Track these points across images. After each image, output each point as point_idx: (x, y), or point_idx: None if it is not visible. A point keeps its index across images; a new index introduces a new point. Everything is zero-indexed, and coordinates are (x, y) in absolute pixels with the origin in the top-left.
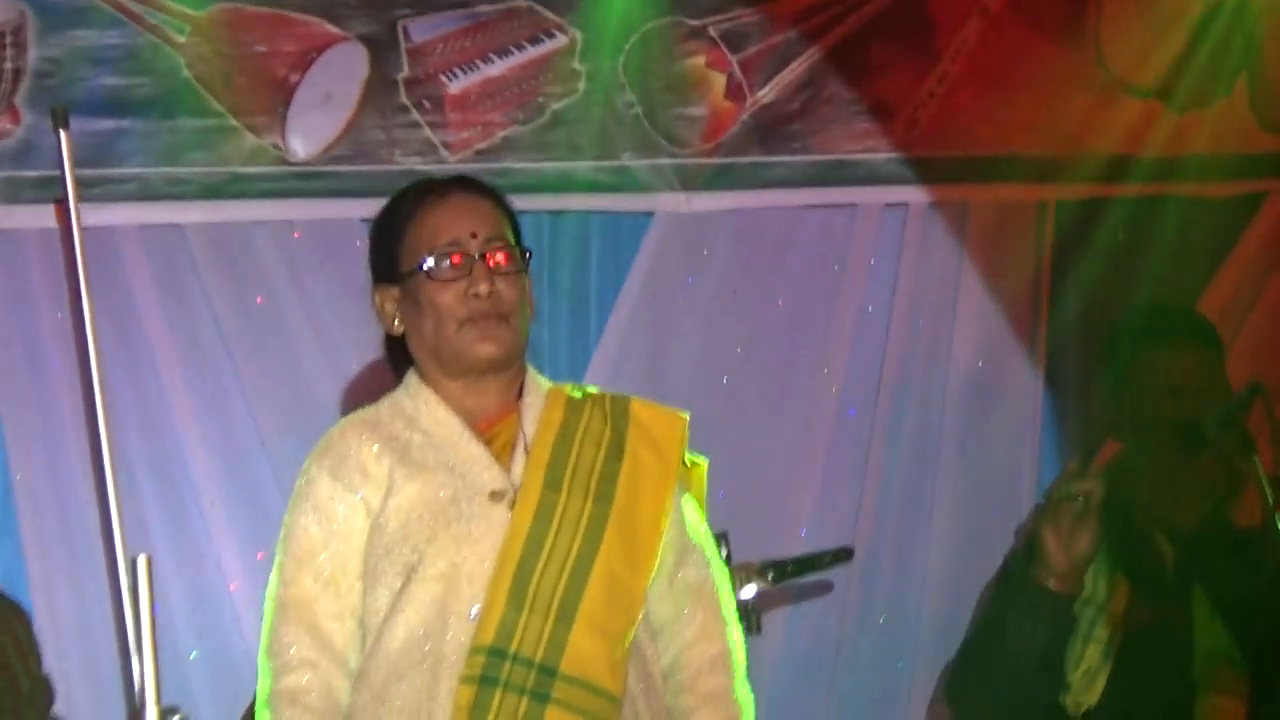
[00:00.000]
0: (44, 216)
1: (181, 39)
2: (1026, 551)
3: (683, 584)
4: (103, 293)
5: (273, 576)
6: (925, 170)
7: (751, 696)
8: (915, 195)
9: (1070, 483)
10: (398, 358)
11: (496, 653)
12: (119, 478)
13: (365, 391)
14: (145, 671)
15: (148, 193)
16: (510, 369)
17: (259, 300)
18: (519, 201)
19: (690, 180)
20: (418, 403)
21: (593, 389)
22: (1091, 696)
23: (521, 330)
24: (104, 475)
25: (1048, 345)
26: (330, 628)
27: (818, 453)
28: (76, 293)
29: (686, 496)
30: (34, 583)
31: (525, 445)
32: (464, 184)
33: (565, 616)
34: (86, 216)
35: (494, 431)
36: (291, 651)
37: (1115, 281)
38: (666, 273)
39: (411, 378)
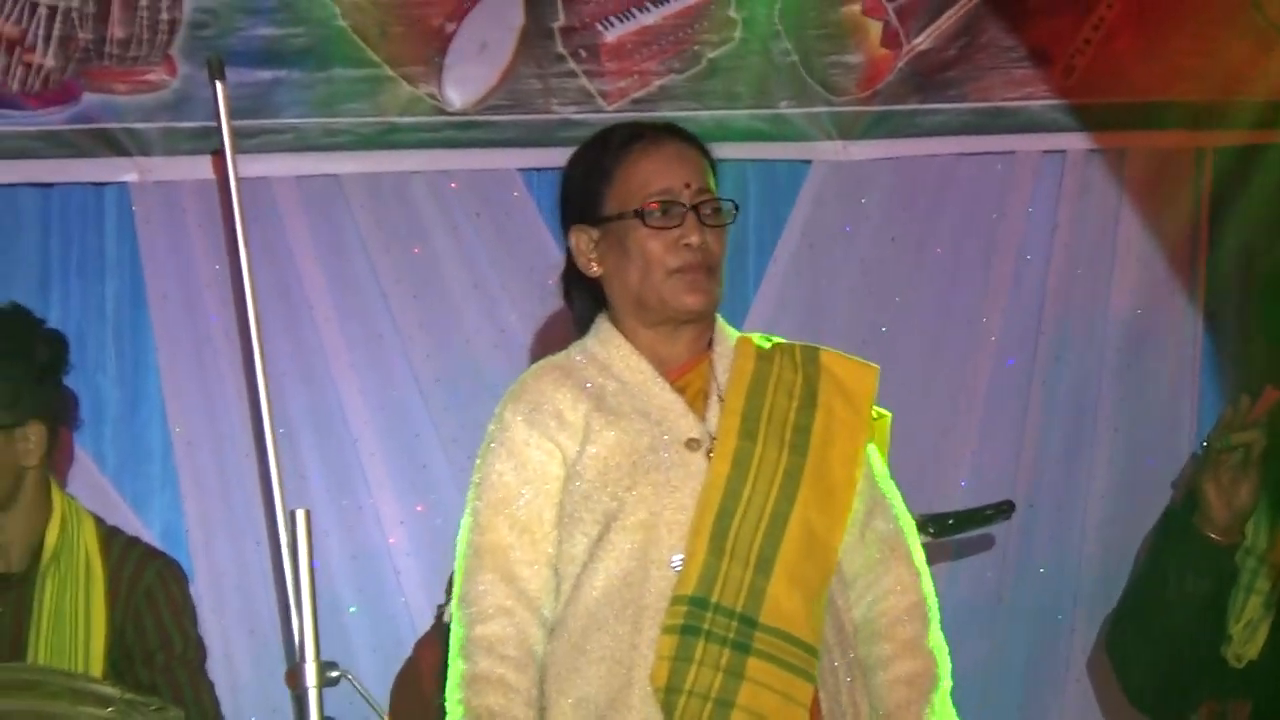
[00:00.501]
0: (201, 168)
1: None
2: (1187, 502)
3: (875, 535)
4: (260, 244)
5: (465, 521)
6: (1083, 117)
7: (946, 646)
8: (1073, 142)
9: (1230, 433)
10: (580, 300)
11: (699, 602)
12: (277, 431)
13: (523, 341)
14: (304, 626)
15: (304, 143)
16: (707, 320)
17: (416, 251)
18: None
19: (847, 128)
20: (609, 349)
21: (779, 339)
22: (1253, 649)
23: (720, 284)
24: (263, 428)
25: (1206, 292)
26: (525, 575)
27: (976, 402)
28: (234, 244)
29: (873, 448)
30: (193, 538)
31: (719, 394)
32: (675, 132)
33: (764, 566)
34: (243, 167)
35: (686, 380)
36: (487, 600)
37: (1274, 227)
38: (824, 221)
39: (603, 323)
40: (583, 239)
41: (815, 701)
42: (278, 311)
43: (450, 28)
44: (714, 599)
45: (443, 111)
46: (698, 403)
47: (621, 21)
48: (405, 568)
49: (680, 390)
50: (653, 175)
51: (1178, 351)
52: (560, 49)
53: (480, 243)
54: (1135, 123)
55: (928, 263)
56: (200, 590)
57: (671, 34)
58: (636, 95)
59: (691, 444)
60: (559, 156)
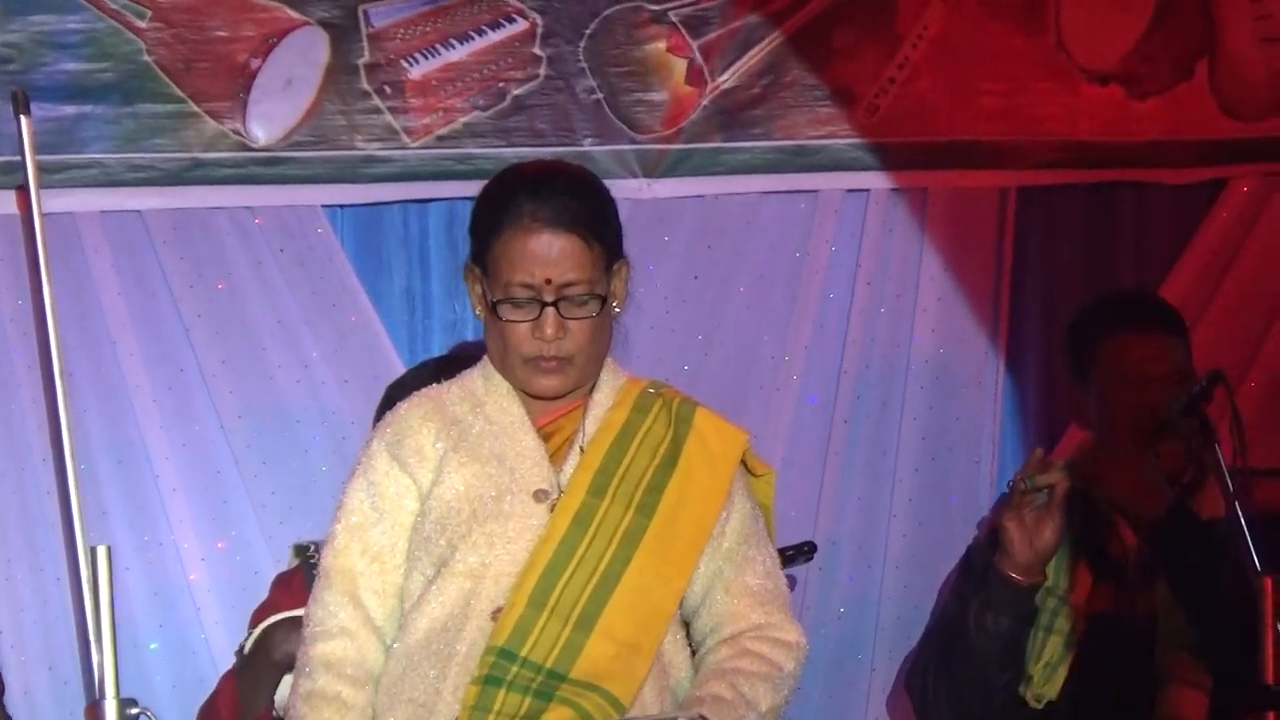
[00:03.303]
0: (5, 202)
1: (142, 24)
2: (989, 542)
3: (741, 589)
4: (64, 279)
5: (326, 544)
6: (886, 156)
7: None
8: (876, 181)
9: (1035, 474)
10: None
11: (507, 654)
12: (78, 466)
13: (326, 377)
14: (104, 663)
15: (109, 178)
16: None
17: (220, 286)
18: (478, 187)
19: (651, 166)
20: (489, 386)
21: (666, 387)
22: (1052, 689)
23: (591, 362)
24: (64, 464)
25: (1009, 332)
26: (371, 603)
27: (779, 442)
28: (37, 280)
29: (749, 506)
30: None
31: (582, 444)
32: (555, 216)
33: (585, 624)
34: (47, 203)
35: (556, 426)
36: (331, 620)
37: (1077, 268)
38: None
39: (488, 361)
40: (474, 281)
41: None
42: (80, 346)
43: (255, 64)
44: (523, 653)
45: (247, 147)
46: (560, 452)
47: (427, 58)
48: (206, 604)
49: (547, 436)
50: (516, 264)
51: (980, 391)
52: (365, 85)
53: (284, 279)
54: (938, 162)
55: (731, 301)
56: (0, 626)
57: (477, 71)
58: (441, 132)
59: (539, 495)
60: (362, 193)
